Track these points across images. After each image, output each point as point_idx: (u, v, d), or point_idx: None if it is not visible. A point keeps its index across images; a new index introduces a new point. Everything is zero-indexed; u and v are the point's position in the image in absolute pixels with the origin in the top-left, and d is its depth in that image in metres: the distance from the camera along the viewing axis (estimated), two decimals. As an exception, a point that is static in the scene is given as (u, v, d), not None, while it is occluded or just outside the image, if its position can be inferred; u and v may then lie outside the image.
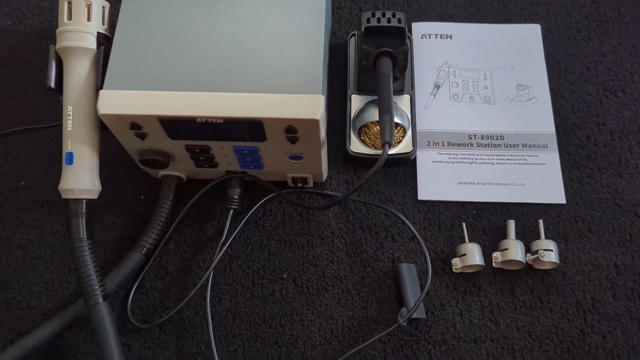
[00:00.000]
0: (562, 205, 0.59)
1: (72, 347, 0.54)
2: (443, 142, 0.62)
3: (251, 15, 0.50)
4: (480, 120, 0.63)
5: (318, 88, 0.47)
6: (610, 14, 0.69)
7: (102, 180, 0.52)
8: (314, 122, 0.47)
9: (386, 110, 0.50)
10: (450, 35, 0.68)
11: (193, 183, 0.59)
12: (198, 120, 0.47)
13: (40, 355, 0.53)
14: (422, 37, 0.68)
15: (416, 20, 0.69)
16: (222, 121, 0.47)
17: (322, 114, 0.47)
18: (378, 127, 0.60)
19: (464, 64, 0.66)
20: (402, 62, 0.58)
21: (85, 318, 0.53)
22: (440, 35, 0.68)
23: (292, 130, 0.48)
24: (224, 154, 0.53)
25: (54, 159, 0.62)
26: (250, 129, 0.48)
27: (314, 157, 0.53)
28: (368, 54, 0.58)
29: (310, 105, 0.46)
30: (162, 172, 0.57)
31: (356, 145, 0.61)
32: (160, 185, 0.57)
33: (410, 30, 0.69)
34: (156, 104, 0.46)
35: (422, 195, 0.60)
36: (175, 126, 0.48)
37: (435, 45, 0.68)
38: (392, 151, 0.60)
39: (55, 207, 0.60)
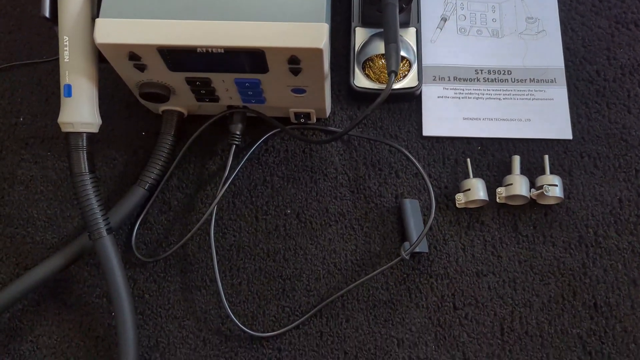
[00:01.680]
0: (569, 140, 0.58)
1: (78, 280, 0.55)
2: (449, 77, 0.61)
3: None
4: (488, 54, 0.62)
5: (322, 16, 0.45)
6: (626, -58, 0.66)
7: (102, 117, 0.51)
8: (318, 52, 0.45)
9: (392, 39, 0.49)
10: (459, -34, 0.66)
11: (194, 119, 0.58)
12: (198, 50, 0.46)
13: (47, 288, 0.54)
14: (429, -32, 0.65)
15: (423, -50, 0.66)
16: (223, 51, 0.46)
17: (326, 43, 0.45)
18: (383, 61, 0.59)
19: (472, -4, 0.64)
20: (408, -8, 0.56)
21: (91, 252, 0.54)
22: (448, -35, 0.66)
23: (295, 60, 0.47)
24: (225, 87, 0.52)
25: (52, 95, 0.61)
26: (251, 60, 0.47)
27: (318, 90, 0.52)
28: (372, -17, 0.56)
29: (314, 34, 0.45)
30: (162, 107, 0.56)
31: (360, 80, 0.59)
32: (161, 120, 0.57)
33: (417, -40, 0.66)
34: (155, 32, 0.45)
35: (426, 131, 0.59)
36: (175, 57, 0.47)
37: (442, -24, 0.65)
38: (396, 86, 0.59)
39: (55, 143, 0.59)
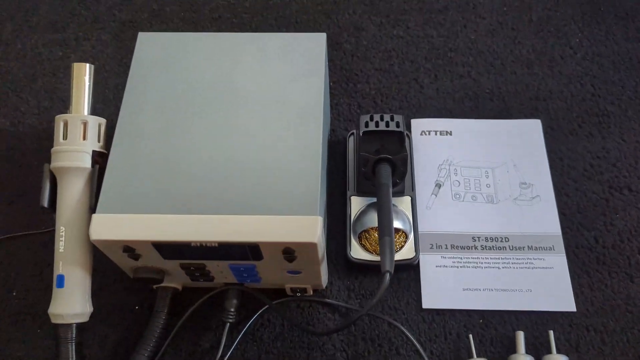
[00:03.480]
0: (573, 313, 0.57)
1: None
2: (446, 244, 0.61)
3: (249, 133, 0.50)
4: (484, 220, 0.62)
5: (315, 209, 0.46)
6: (611, 108, 0.69)
7: (94, 290, 0.50)
8: (312, 246, 0.45)
9: (386, 231, 0.48)
10: (450, 132, 0.68)
11: (190, 291, 0.57)
12: (192, 244, 0.46)
13: None
14: (421, 134, 0.68)
15: (415, 117, 0.69)
16: (217, 245, 0.46)
17: (320, 235, 0.45)
18: (378, 233, 0.59)
19: (465, 162, 0.66)
20: (401, 168, 0.57)
21: None
22: (440, 131, 0.68)
23: (289, 251, 0.46)
24: (220, 270, 0.51)
25: (47, 267, 0.61)
26: (246, 251, 0.47)
27: (313, 271, 0.51)
28: (367, 160, 0.57)
29: (308, 228, 0.45)
30: (156, 285, 0.56)
31: (357, 251, 0.59)
32: (155, 296, 0.56)
33: (409, 127, 0.68)
34: (149, 228, 0.45)
35: (426, 304, 0.58)
36: (169, 249, 0.47)
37: (435, 142, 0.67)
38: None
39: (47, 320, 0.58)
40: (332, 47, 0.75)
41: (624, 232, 0.61)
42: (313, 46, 0.55)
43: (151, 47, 0.55)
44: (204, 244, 0.45)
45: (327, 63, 0.58)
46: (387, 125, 0.59)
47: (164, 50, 0.55)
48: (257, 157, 0.49)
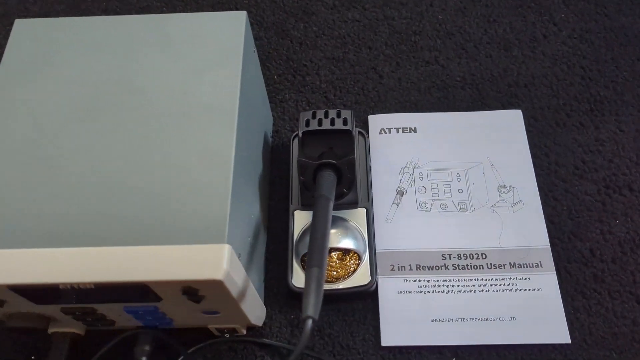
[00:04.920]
0: (567, 345, 0.46)
1: None
2: (410, 265, 0.50)
3: (141, 140, 0.39)
4: (456, 234, 0.51)
5: (222, 234, 0.35)
6: (604, 92, 0.58)
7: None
8: (217, 283, 0.34)
9: (314, 261, 0.37)
10: (415, 128, 0.57)
11: (96, 335, 0.47)
12: (61, 287, 0.35)
13: None
14: (380, 132, 0.57)
15: (374, 112, 0.58)
16: (93, 286, 0.35)
17: (229, 269, 0.35)
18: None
19: (432, 163, 0.55)
20: (348, 175, 0.47)
21: None
22: (403, 128, 0.57)
23: (191, 291, 0.36)
24: (117, 313, 0.41)
25: None
26: (135, 291, 0.36)
27: (234, 311, 0.40)
28: (305, 166, 0.47)
29: (211, 260, 0.34)
30: (51, 329, 0.45)
31: (300, 278, 0.48)
32: (51, 344, 0.45)
33: (366, 125, 0.57)
34: (1, 269, 0.34)
35: (386, 340, 0.47)
36: (36, 293, 0.36)
37: (397, 141, 0.56)
38: (344, 284, 0.47)
39: None
40: (278, 35, 0.64)
41: (626, 241, 0.50)
42: (229, 28, 0.44)
43: (29, 35, 0.44)
44: (76, 286, 0.35)
45: (252, 48, 0.47)
46: (333, 123, 0.48)
47: (43, 39, 0.44)
48: (149, 170, 0.38)
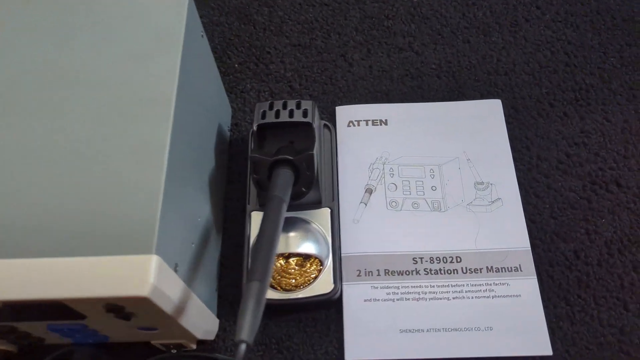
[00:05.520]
0: (549, 357, 0.42)
1: None
2: (378, 270, 0.46)
3: (60, 135, 0.34)
4: (429, 235, 0.47)
5: (150, 243, 0.31)
6: (590, 80, 0.54)
7: None
8: (143, 301, 0.30)
9: (256, 274, 0.32)
10: (386, 120, 0.53)
11: (30, 352, 0.42)
12: (-39, 305, 0.30)
13: None
14: (349, 125, 0.52)
15: (342, 103, 0.54)
16: (1, 305, 0.30)
17: (155, 284, 0.30)
18: (282, 262, 0.44)
19: (404, 158, 0.50)
20: (307, 172, 0.42)
21: None
22: (373, 120, 0.53)
23: (116, 308, 0.31)
24: (42, 331, 0.36)
25: None
26: (54, 309, 0.32)
27: (174, 327, 0.36)
28: (259, 164, 0.42)
29: (135, 275, 0.30)
30: (-24, 346, 0.40)
31: (256, 287, 0.44)
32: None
33: (333, 117, 0.53)
34: None
35: (350, 354, 0.43)
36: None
37: (366, 134, 0.52)
38: (303, 293, 0.43)
39: None
40: (240, 20, 0.59)
41: (613, 242, 0.46)
42: (169, 9, 0.39)
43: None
44: (-20, 305, 0.30)
45: (200, 33, 0.42)
46: (292, 115, 0.43)
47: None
48: (70, 171, 0.33)
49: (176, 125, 0.35)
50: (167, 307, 0.32)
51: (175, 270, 0.34)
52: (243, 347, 0.28)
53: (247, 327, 0.29)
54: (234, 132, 0.53)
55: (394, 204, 0.48)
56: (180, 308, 0.34)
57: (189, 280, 0.36)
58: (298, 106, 0.44)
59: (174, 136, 0.35)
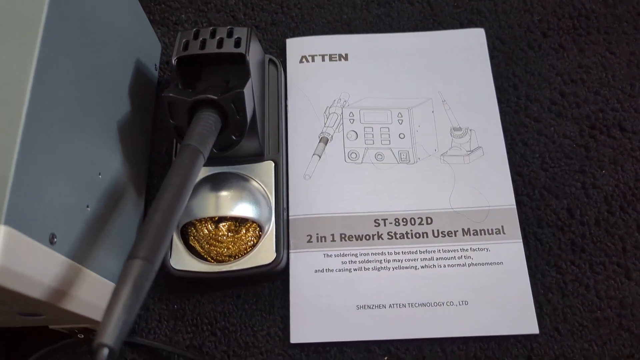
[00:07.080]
0: (535, 336, 0.35)
1: None
2: (333, 235, 0.38)
3: None
4: (394, 192, 0.39)
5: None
6: (591, 5, 0.45)
7: None
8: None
9: (142, 251, 0.22)
10: (346, 55, 0.44)
11: None
12: None
13: None
14: (301, 61, 0.44)
15: (294, 35, 0.45)
16: None
17: (3, 264, 0.22)
18: (212, 227, 0.36)
19: (367, 100, 0.42)
20: (237, 117, 0.34)
21: None
22: (331, 55, 0.44)
23: (-42, 294, 0.23)
24: None
25: None
26: None
27: (60, 312, 0.28)
28: (175, 105, 0.33)
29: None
30: None
31: (182, 258, 0.36)
32: None
33: (284, 51, 0.44)
34: None
35: (296, 336, 0.35)
36: None
37: (322, 71, 0.43)
38: (238, 265, 0.35)
39: None
40: (176, -62, 0.49)
41: (615, 197, 0.39)
42: None
43: None
44: None
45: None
46: (220, 45, 0.35)
47: None
48: None
49: (47, 53, 0.26)
50: (30, 291, 0.24)
51: (52, 242, 0.26)
52: (104, 353, 0.21)
53: (113, 325, 0.21)
54: (165, 71, 0.44)
55: (353, 155, 0.40)
56: (60, 290, 0.27)
57: (80, 253, 0.29)
58: (230, 34, 0.35)
59: (43, 67, 0.26)
